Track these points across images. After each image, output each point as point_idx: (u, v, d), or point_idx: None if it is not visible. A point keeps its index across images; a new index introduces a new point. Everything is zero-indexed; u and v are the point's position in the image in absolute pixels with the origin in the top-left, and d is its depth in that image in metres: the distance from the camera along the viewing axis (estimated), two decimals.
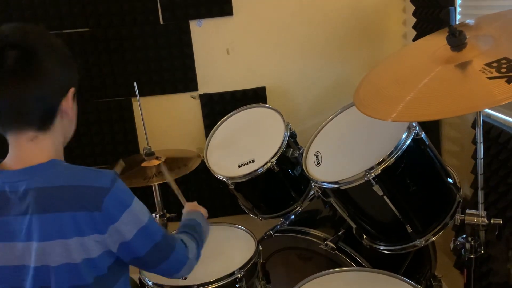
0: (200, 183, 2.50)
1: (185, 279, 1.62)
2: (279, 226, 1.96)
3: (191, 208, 1.49)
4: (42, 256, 0.99)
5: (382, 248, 1.61)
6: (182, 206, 1.59)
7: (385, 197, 1.42)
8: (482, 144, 1.22)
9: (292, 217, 2.00)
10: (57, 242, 0.98)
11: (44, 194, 0.99)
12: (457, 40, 1.18)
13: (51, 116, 1.05)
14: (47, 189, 1.00)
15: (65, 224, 0.98)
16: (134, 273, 1.61)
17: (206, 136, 2.24)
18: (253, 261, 1.72)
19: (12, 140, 1.04)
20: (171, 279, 1.22)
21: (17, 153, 1.04)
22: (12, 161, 1.04)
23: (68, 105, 1.07)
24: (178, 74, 2.44)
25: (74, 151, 2.49)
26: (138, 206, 1.07)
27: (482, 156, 1.23)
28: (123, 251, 1.05)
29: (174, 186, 1.70)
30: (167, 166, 1.88)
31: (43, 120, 1.04)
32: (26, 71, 0.98)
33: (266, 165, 1.81)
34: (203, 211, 1.50)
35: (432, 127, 2.13)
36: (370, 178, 1.39)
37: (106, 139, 2.51)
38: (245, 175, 1.83)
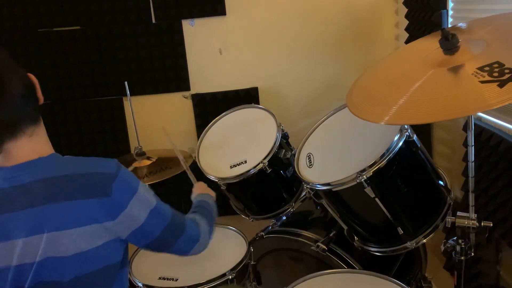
0: (192, 183, 2.49)
1: (176, 280, 1.62)
2: (270, 227, 1.96)
3: (201, 191, 1.55)
4: (51, 247, 0.97)
5: (373, 250, 1.61)
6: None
7: (376, 199, 1.43)
8: (473, 147, 1.23)
9: (284, 218, 1.99)
10: (68, 232, 0.97)
11: (53, 184, 0.99)
12: (449, 44, 1.19)
13: (38, 105, 1.07)
14: (55, 178, 1.00)
15: (76, 212, 0.98)
16: None
17: (198, 136, 2.23)
18: (244, 262, 1.72)
19: (11, 145, 1.01)
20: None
21: (13, 153, 1.02)
22: (5, 161, 1.02)
23: (38, 91, 1.08)
24: (170, 74, 2.42)
25: (63, 151, 2.45)
26: (144, 188, 1.10)
27: (473, 159, 1.24)
28: (136, 237, 1.07)
29: (183, 164, 1.74)
30: (158, 166, 1.87)
31: (36, 111, 1.06)
32: None
33: (258, 166, 1.80)
34: (212, 193, 1.55)
35: (423, 130, 2.14)
36: (362, 180, 1.39)
37: (96, 139, 2.49)
38: (237, 176, 1.82)
